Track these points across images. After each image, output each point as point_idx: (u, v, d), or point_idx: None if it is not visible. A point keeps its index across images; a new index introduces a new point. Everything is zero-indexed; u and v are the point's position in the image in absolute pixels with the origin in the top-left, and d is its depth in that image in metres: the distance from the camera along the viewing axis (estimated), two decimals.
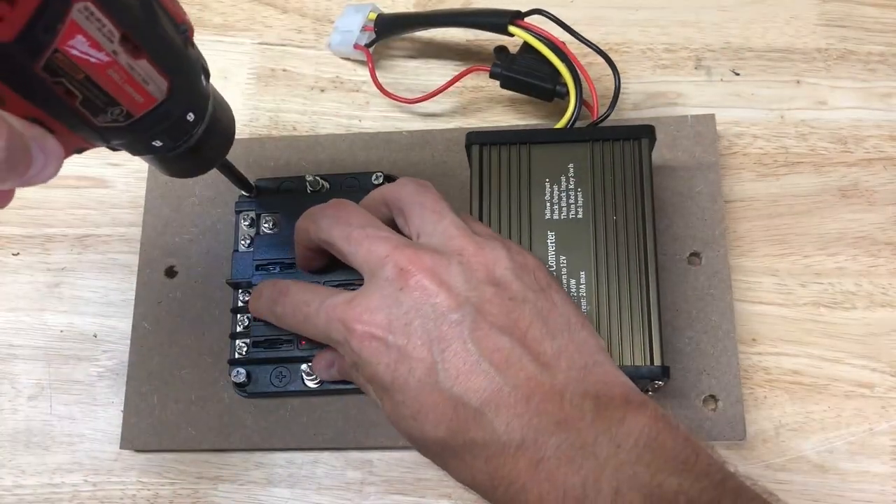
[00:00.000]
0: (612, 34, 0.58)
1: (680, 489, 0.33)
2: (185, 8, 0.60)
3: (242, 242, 0.51)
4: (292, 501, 0.50)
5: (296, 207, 0.50)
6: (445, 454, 0.38)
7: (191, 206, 0.55)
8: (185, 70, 0.35)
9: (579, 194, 0.46)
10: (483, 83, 0.57)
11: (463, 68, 0.54)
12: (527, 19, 0.52)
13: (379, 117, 0.58)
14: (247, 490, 0.50)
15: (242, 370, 0.49)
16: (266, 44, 0.60)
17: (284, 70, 0.59)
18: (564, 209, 0.46)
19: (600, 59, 0.51)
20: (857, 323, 0.51)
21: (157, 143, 0.36)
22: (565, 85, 0.50)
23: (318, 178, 0.52)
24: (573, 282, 0.45)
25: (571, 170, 0.47)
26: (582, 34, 0.51)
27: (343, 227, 0.42)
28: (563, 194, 0.46)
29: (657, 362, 0.43)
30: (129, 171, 0.57)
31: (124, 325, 0.53)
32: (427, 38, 0.59)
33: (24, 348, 0.54)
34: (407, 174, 0.53)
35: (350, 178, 0.52)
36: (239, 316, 0.50)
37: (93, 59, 0.29)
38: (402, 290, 0.39)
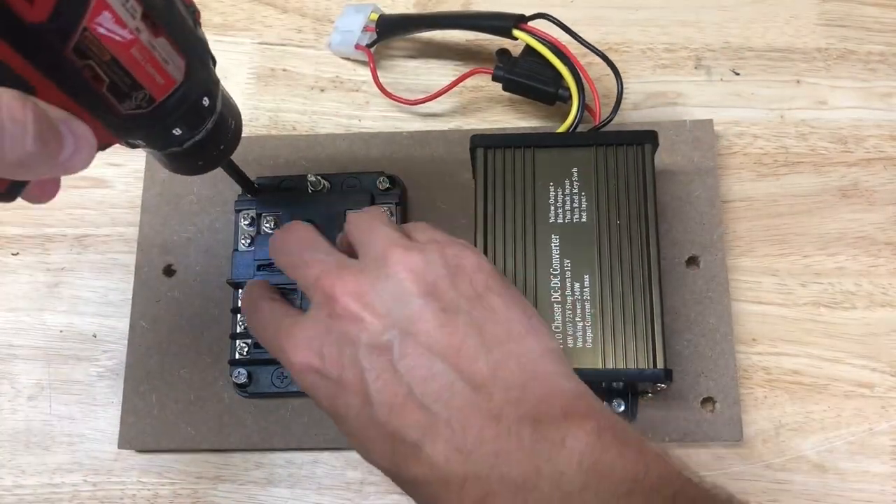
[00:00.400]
0: (612, 34, 0.58)
1: None
2: None
3: (243, 242, 0.51)
4: (292, 501, 0.50)
5: (297, 207, 0.50)
6: (400, 485, 0.36)
7: (189, 204, 0.55)
8: (199, 50, 0.36)
9: (583, 198, 0.46)
10: (483, 83, 0.57)
11: (463, 68, 0.54)
12: (530, 23, 0.51)
13: (379, 117, 0.58)
14: (247, 490, 0.50)
15: (243, 370, 0.49)
16: (266, 43, 0.60)
17: (284, 70, 0.59)
18: (569, 213, 0.46)
19: (599, 59, 0.51)
20: (857, 323, 0.51)
21: (177, 132, 0.37)
22: (567, 89, 0.50)
23: (319, 177, 0.52)
24: (577, 285, 0.45)
25: (575, 174, 0.47)
26: (582, 35, 0.51)
27: (287, 256, 0.41)
28: (568, 198, 0.46)
29: (660, 365, 0.43)
30: (128, 171, 0.57)
31: (124, 324, 0.53)
32: (427, 38, 0.59)
33: (24, 348, 0.54)
34: (407, 174, 0.53)
35: (350, 177, 0.52)
36: (239, 316, 0.50)
37: (118, 38, 0.30)
38: (331, 316, 0.36)
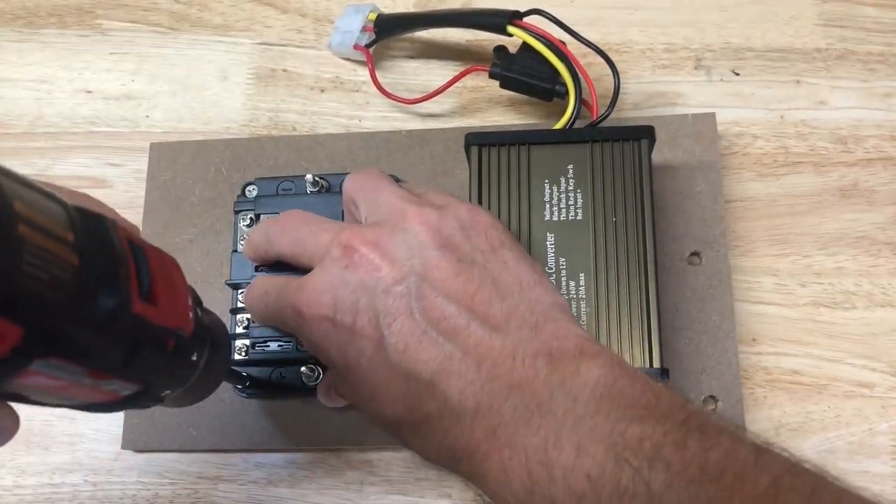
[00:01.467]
0: (612, 34, 0.58)
1: (643, 435, 0.32)
2: (185, 8, 0.60)
3: (241, 243, 0.51)
4: (292, 501, 0.50)
5: (295, 207, 0.50)
6: (407, 433, 0.37)
7: (190, 206, 0.55)
8: (165, 371, 0.33)
9: (578, 195, 0.46)
10: (482, 83, 0.57)
11: (462, 68, 0.54)
12: (526, 19, 0.52)
13: (379, 117, 0.58)
14: (247, 490, 0.50)
15: (243, 371, 0.49)
16: (266, 44, 0.60)
17: (284, 70, 0.59)
18: (564, 210, 0.46)
19: (600, 60, 0.51)
20: (857, 323, 0.51)
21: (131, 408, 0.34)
22: (564, 85, 0.50)
23: (317, 177, 0.52)
24: (572, 284, 0.45)
25: (571, 171, 0.47)
26: (581, 34, 0.51)
27: (289, 234, 0.42)
28: (563, 195, 0.46)
29: (656, 364, 0.43)
30: (128, 172, 0.57)
31: None
32: (427, 38, 0.59)
33: None
34: (406, 174, 0.53)
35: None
36: (238, 316, 0.50)
37: (52, 383, 0.27)
38: (348, 268, 0.38)
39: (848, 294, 0.51)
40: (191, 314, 0.34)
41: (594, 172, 0.47)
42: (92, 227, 0.28)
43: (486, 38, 0.58)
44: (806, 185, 0.54)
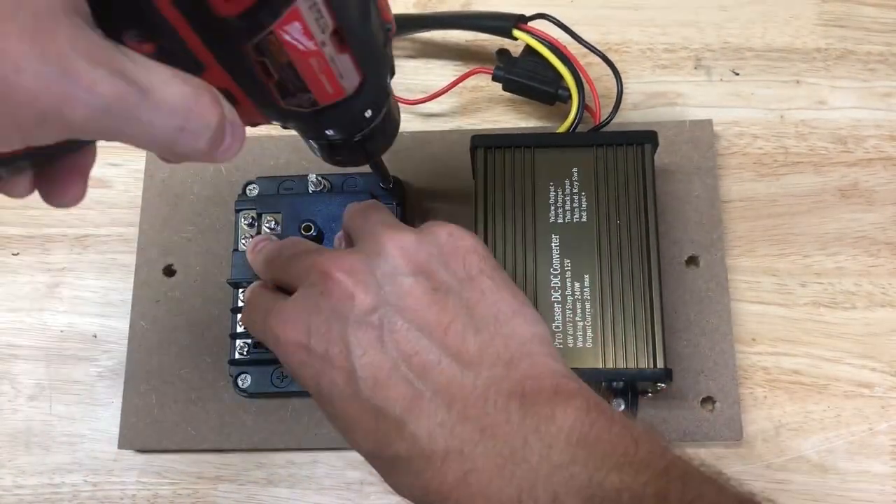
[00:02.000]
0: (612, 34, 0.58)
1: (622, 485, 0.30)
2: None
3: (243, 242, 0.51)
4: (293, 501, 0.50)
5: (297, 207, 0.50)
6: (381, 467, 0.36)
7: (189, 204, 0.55)
8: (380, 69, 0.35)
9: (583, 198, 0.46)
10: (483, 83, 0.57)
11: (463, 68, 0.54)
12: (530, 23, 0.52)
13: None
14: (247, 490, 0.50)
15: (244, 370, 0.49)
16: None
17: None
18: (569, 213, 0.46)
19: (599, 59, 0.51)
20: (857, 323, 0.51)
21: (330, 133, 0.37)
22: (567, 89, 0.50)
23: (320, 177, 0.52)
24: (577, 285, 0.45)
25: (575, 174, 0.47)
26: (582, 35, 0.52)
27: (280, 262, 0.41)
28: (568, 198, 0.46)
29: (660, 364, 0.43)
30: (128, 172, 0.57)
31: (124, 324, 0.53)
32: (427, 38, 0.59)
33: (24, 348, 0.54)
34: (406, 174, 0.53)
35: (351, 177, 0.52)
36: (239, 315, 0.50)
37: (301, 47, 0.30)
38: (323, 294, 0.36)
39: (848, 294, 0.51)
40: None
41: (598, 176, 0.47)
42: None
43: (487, 39, 0.58)
44: (806, 185, 0.54)
